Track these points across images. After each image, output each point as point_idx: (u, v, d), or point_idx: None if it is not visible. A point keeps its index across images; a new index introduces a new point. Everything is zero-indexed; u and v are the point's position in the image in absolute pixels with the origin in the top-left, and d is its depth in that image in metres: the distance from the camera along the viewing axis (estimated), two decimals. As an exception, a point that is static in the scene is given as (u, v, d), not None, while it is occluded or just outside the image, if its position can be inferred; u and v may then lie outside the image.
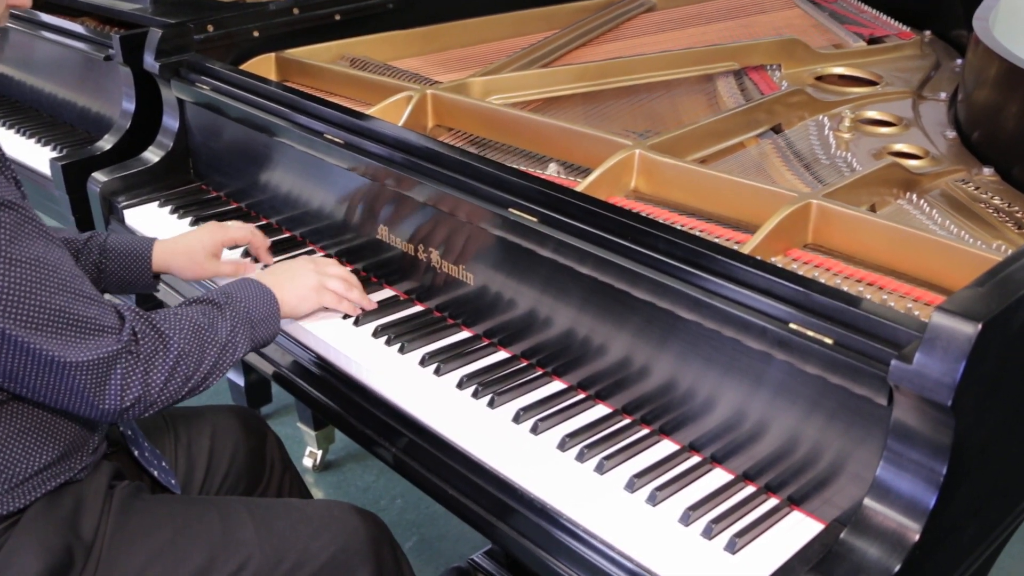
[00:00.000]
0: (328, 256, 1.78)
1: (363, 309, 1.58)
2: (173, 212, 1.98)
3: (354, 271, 1.73)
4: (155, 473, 1.48)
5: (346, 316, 1.57)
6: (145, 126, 2.18)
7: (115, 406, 1.23)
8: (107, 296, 1.40)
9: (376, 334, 1.53)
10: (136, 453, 1.48)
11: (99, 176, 2.04)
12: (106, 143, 2.22)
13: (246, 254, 1.80)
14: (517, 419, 1.33)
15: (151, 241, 1.65)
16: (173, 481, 1.50)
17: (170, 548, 1.32)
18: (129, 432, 1.48)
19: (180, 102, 2.05)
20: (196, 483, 1.59)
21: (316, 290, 1.53)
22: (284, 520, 1.38)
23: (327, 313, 1.57)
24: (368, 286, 1.67)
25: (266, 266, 1.72)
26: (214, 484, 1.61)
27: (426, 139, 1.61)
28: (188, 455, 1.59)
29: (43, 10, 2.53)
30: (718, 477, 1.24)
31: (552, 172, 1.67)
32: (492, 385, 1.40)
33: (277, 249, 1.80)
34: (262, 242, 1.75)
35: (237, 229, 1.71)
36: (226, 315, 1.37)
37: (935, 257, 1.30)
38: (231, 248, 1.74)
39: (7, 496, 1.27)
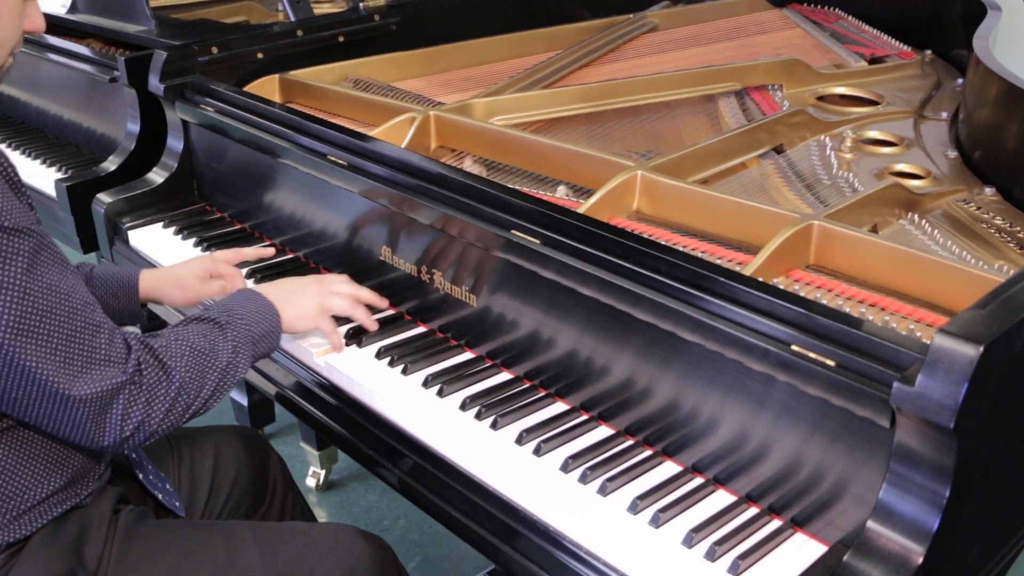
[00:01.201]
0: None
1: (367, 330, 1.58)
2: (177, 233, 1.98)
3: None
4: (160, 496, 1.48)
5: (348, 335, 1.57)
6: (150, 147, 2.19)
7: (114, 438, 1.22)
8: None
9: (379, 355, 1.54)
10: (141, 477, 1.48)
11: (104, 197, 2.05)
12: (111, 164, 2.23)
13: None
14: (520, 441, 1.34)
15: (137, 270, 1.65)
16: (177, 504, 1.50)
17: (174, 574, 1.32)
18: (134, 456, 1.48)
19: (184, 123, 2.06)
20: (199, 504, 1.59)
21: (317, 313, 1.52)
22: (289, 545, 1.37)
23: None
24: (370, 307, 1.67)
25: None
26: (217, 504, 1.61)
27: (429, 161, 1.62)
28: (191, 476, 1.59)
29: (49, 32, 2.54)
30: (721, 499, 1.24)
31: (561, 195, 1.67)
32: (495, 407, 1.40)
33: (282, 271, 1.80)
34: (241, 279, 1.72)
35: (223, 254, 1.71)
36: (228, 336, 1.36)
37: (937, 278, 1.30)
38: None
39: (13, 524, 1.26)
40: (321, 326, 1.53)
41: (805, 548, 1.16)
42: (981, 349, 0.96)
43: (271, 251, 1.77)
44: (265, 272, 1.80)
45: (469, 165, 1.73)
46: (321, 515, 2.62)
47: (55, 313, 1.16)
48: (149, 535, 1.36)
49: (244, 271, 1.80)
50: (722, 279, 1.21)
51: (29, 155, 2.53)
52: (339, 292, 1.56)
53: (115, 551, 1.32)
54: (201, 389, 1.30)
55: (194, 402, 1.29)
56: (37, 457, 1.27)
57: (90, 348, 1.19)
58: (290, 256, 1.88)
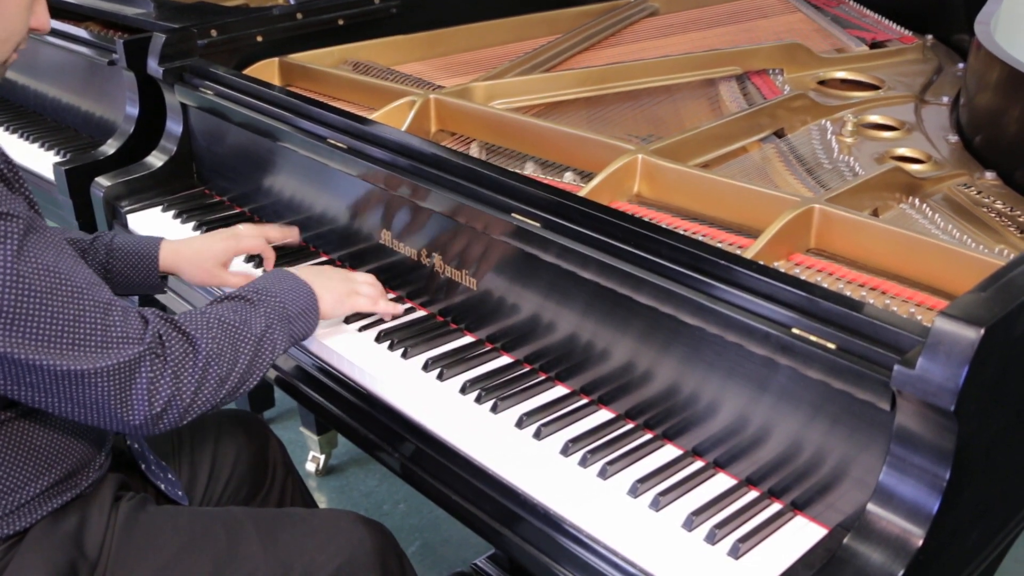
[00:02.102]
0: (332, 262, 1.79)
1: (393, 316, 1.57)
2: (176, 217, 1.98)
3: (357, 276, 1.73)
4: (162, 486, 1.47)
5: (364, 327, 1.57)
6: (149, 131, 2.19)
7: (144, 414, 1.18)
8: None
9: (379, 339, 1.54)
10: (143, 467, 1.47)
11: (103, 181, 2.05)
12: (110, 148, 2.22)
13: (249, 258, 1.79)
14: (520, 424, 1.34)
15: (158, 241, 1.62)
16: (180, 493, 1.49)
17: (175, 563, 1.31)
18: (136, 445, 1.47)
19: (184, 107, 2.06)
20: (199, 488, 1.59)
21: (349, 294, 1.49)
22: (289, 532, 1.36)
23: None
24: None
25: None
26: (216, 489, 1.61)
27: (429, 144, 1.62)
28: (191, 460, 1.59)
29: (47, 15, 2.53)
30: (721, 482, 1.24)
31: (569, 181, 1.67)
32: (495, 390, 1.40)
33: (290, 259, 1.79)
34: (272, 254, 1.72)
35: (249, 239, 1.67)
36: (259, 310, 1.32)
37: (938, 261, 1.30)
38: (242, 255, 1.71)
39: (11, 516, 1.25)
40: (358, 305, 1.51)
41: (805, 531, 1.17)
42: (982, 332, 0.96)
43: (297, 234, 1.74)
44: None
45: (476, 151, 1.72)
46: (321, 500, 2.63)
47: (56, 295, 1.12)
48: (150, 523, 1.35)
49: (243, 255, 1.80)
50: (723, 262, 1.21)
51: (27, 138, 2.52)
52: (362, 280, 1.54)
53: (116, 541, 1.31)
54: (235, 363, 1.26)
55: (229, 376, 1.25)
56: (37, 450, 1.25)
57: (103, 327, 1.15)
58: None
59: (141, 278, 1.60)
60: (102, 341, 1.15)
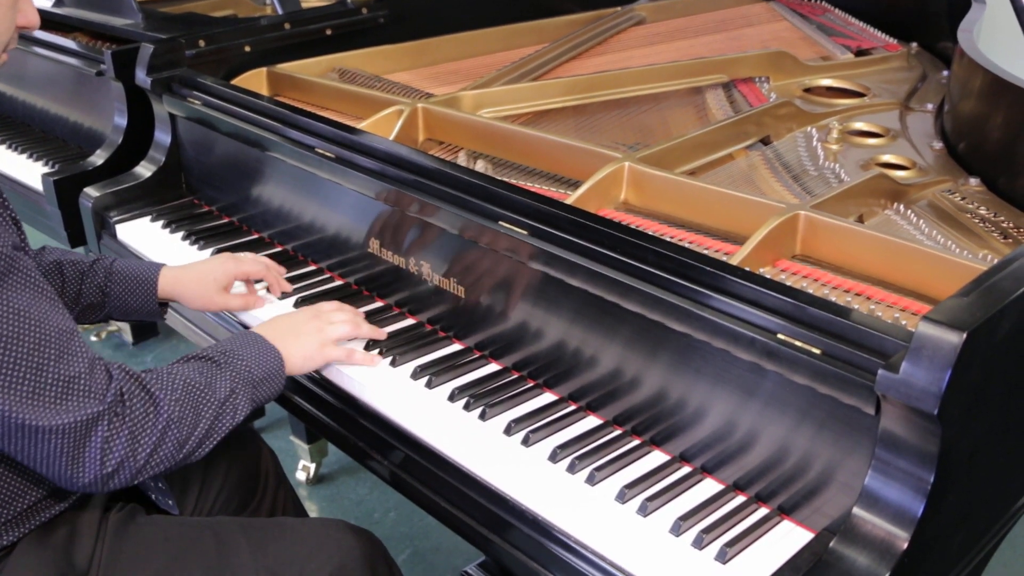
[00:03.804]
0: (320, 271, 1.79)
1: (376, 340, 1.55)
2: (166, 227, 1.98)
3: (345, 284, 1.74)
4: (153, 496, 1.47)
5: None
6: (137, 141, 2.19)
7: (94, 474, 1.14)
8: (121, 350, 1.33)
9: (368, 347, 1.54)
10: None
11: (91, 191, 2.05)
12: (98, 158, 2.22)
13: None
14: (508, 431, 1.34)
15: (158, 267, 1.59)
16: (171, 502, 1.48)
17: (165, 575, 1.31)
18: None
19: (172, 117, 2.06)
20: (191, 499, 1.58)
21: (321, 347, 1.45)
22: (279, 542, 1.36)
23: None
24: (359, 299, 1.68)
25: (282, 298, 1.69)
26: (208, 500, 1.60)
27: (417, 153, 1.62)
28: (183, 471, 1.58)
29: (35, 26, 2.53)
30: (709, 487, 1.25)
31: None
32: (483, 397, 1.41)
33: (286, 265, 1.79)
34: (277, 276, 1.69)
35: (251, 263, 1.64)
36: (225, 374, 1.29)
37: (922, 267, 1.32)
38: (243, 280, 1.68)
39: (1, 529, 1.23)
40: (331, 358, 1.47)
41: (792, 535, 1.17)
42: (964, 336, 0.97)
43: (289, 288, 1.71)
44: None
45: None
46: (311, 509, 2.63)
47: (22, 341, 1.09)
48: (140, 535, 1.34)
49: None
50: (709, 269, 1.22)
51: (15, 149, 2.52)
52: (337, 320, 1.50)
53: (106, 552, 1.30)
54: (196, 426, 1.23)
55: (187, 440, 1.22)
56: (23, 465, 1.22)
57: (65, 379, 1.12)
58: (279, 249, 1.88)
59: (139, 303, 1.58)
60: (62, 394, 1.12)
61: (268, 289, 1.70)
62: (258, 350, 1.36)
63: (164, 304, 1.63)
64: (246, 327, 1.63)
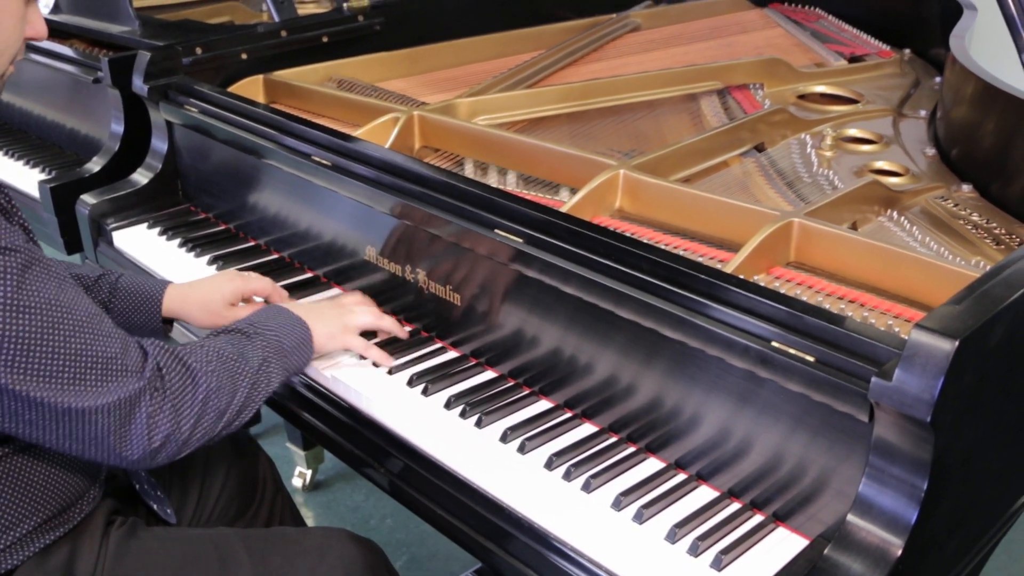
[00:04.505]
0: (317, 278, 1.80)
1: (397, 337, 1.55)
2: (162, 234, 1.99)
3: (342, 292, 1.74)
4: (153, 506, 1.47)
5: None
6: (134, 148, 2.19)
7: (143, 449, 1.17)
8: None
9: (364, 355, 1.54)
10: (137, 487, 1.46)
11: (88, 198, 2.05)
12: (95, 165, 2.23)
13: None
14: (504, 438, 1.35)
15: (164, 284, 1.59)
16: (169, 511, 1.48)
17: None
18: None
19: (169, 124, 2.06)
20: (189, 506, 1.58)
21: (343, 331, 1.47)
22: (280, 553, 1.36)
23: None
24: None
25: None
26: (207, 507, 1.60)
27: (413, 161, 1.63)
28: (182, 478, 1.58)
29: (31, 33, 2.53)
30: (704, 494, 1.25)
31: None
32: (479, 405, 1.41)
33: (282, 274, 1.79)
34: (282, 295, 1.67)
35: (257, 280, 1.62)
36: (256, 343, 1.32)
37: (916, 274, 1.32)
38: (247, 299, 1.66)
39: (2, 554, 1.23)
40: (350, 344, 1.49)
41: (787, 542, 1.18)
42: (957, 343, 0.97)
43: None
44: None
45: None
46: (308, 515, 2.63)
47: (58, 329, 1.11)
48: (141, 549, 1.33)
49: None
50: (704, 277, 1.23)
51: (12, 156, 2.52)
52: (359, 310, 1.52)
53: (107, 568, 1.29)
54: (233, 396, 1.25)
55: (227, 409, 1.25)
56: (31, 486, 1.24)
57: (103, 361, 1.14)
58: (275, 256, 1.88)
59: (143, 321, 1.58)
60: (102, 375, 1.14)
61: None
62: (286, 320, 1.40)
63: (169, 321, 1.62)
64: None
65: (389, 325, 1.55)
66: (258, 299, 1.66)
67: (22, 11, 1.22)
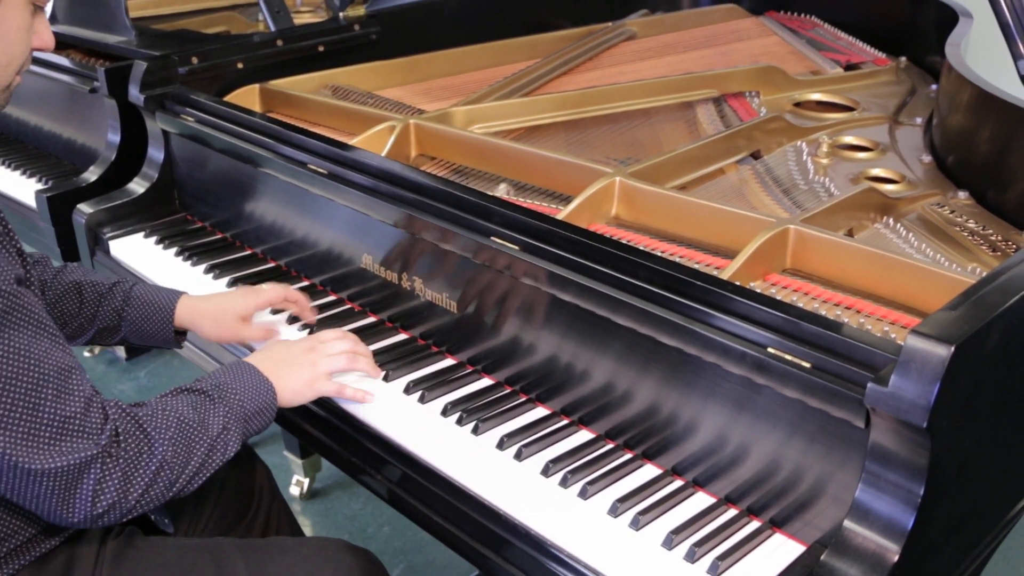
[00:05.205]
0: (313, 286, 1.80)
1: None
2: (159, 243, 1.99)
3: (338, 300, 1.74)
4: (150, 515, 1.47)
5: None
6: (130, 158, 2.19)
7: (84, 514, 1.14)
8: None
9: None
10: None
11: (84, 208, 2.05)
12: (91, 175, 2.23)
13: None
14: (501, 445, 1.34)
15: (177, 295, 1.58)
16: (166, 520, 1.48)
17: None
18: None
19: (165, 134, 2.07)
20: (187, 515, 1.57)
21: (311, 382, 1.42)
22: (278, 563, 1.35)
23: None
24: (352, 315, 1.68)
25: (308, 327, 1.66)
26: (203, 516, 1.59)
27: (409, 169, 1.63)
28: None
29: (28, 43, 2.54)
30: (700, 500, 1.25)
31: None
32: (476, 412, 1.41)
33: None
34: (304, 304, 1.65)
35: (270, 290, 1.61)
36: (219, 409, 1.29)
37: (912, 280, 1.32)
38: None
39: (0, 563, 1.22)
40: (322, 392, 1.44)
41: (784, 548, 1.18)
42: (952, 349, 0.97)
43: (314, 319, 1.67)
44: (253, 282, 1.80)
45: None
46: (305, 524, 2.62)
47: (20, 381, 1.08)
48: (138, 559, 1.32)
49: (226, 279, 1.81)
50: (700, 283, 1.23)
51: (9, 166, 2.52)
52: (333, 352, 1.47)
53: None
54: (186, 465, 1.23)
55: (178, 479, 1.22)
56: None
57: (61, 419, 1.11)
58: (272, 265, 1.88)
59: (154, 330, 1.57)
60: (57, 435, 1.11)
61: (296, 316, 1.68)
62: (251, 382, 1.35)
63: (182, 333, 1.61)
64: None
65: (364, 367, 1.49)
66: (270, 314, 1.66)
67: (29, 21, 1.21)
